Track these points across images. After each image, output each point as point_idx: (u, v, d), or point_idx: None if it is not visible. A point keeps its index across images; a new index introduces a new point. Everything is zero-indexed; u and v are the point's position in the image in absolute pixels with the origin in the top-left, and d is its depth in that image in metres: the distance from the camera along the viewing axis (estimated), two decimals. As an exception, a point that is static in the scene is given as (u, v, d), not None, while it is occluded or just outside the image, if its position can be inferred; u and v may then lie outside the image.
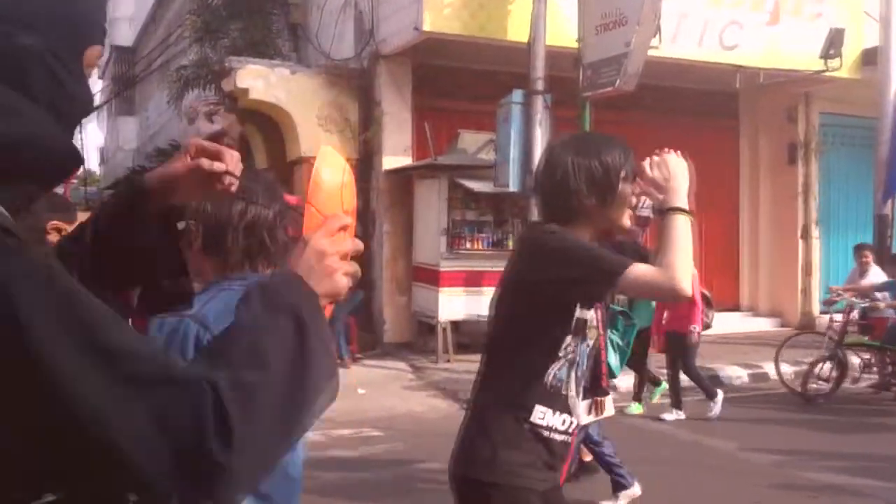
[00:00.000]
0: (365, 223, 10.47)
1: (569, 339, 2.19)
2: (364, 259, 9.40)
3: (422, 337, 10.61)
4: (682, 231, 2.10)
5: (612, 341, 3.35)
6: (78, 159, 1.04)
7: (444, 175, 9.81)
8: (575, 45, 8.99)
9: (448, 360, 9.80)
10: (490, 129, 9.68)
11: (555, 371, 2.19)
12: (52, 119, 1.01)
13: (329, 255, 1.09)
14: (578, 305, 2.19)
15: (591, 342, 2.26)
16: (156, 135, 21.45)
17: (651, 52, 8.66)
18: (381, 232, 10.66)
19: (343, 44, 11.30)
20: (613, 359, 3.34)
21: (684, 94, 11.81)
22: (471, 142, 10.18)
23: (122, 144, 26.47)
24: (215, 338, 1.05)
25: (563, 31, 9.33)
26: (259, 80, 10.35)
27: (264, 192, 1.86)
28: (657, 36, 8.86)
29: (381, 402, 7.97)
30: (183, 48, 14.89)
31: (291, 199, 2.18)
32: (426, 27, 9.37)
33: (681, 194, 2.15)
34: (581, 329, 2.21)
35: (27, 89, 0.99)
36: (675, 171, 2.17)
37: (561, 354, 2.18)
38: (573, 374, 2.22)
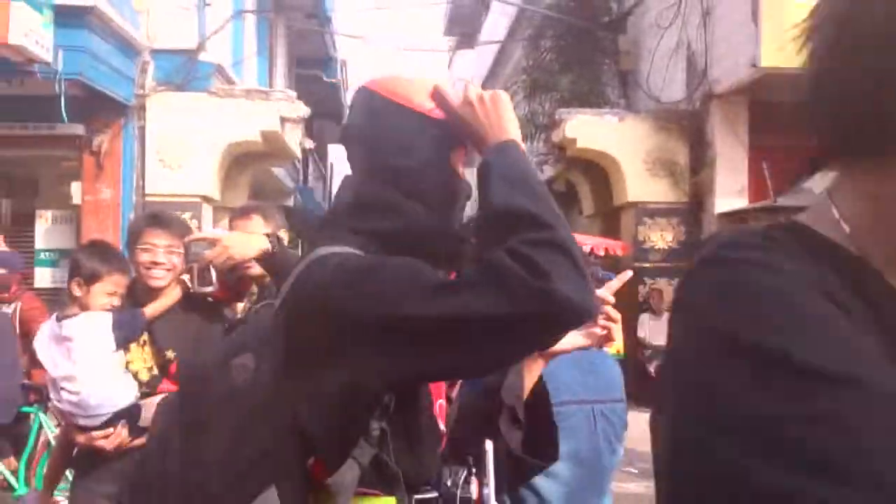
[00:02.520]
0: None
1: None
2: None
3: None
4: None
5: None
6: (450, 238, 1.40)
7: (785, 217, 9.14)
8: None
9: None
10: (837, 167, 8.85)
11: None
12: (425, 211, 1.38)
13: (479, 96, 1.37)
14: None
15: None
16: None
17: None
18: (713, 278, 10.22)
19: (673, 86, 11.16)
20: None
21: None
22: (816, 181, 9.39)
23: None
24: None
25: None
26: (587, 128, 10.56)
27: None
28: None
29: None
30: (517, 102, 15.73)
31: None
32: (764, 63, 8.92)
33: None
34: None
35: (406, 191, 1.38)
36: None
37: None
38: None
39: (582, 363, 1.91)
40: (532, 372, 1.65)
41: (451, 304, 1.15)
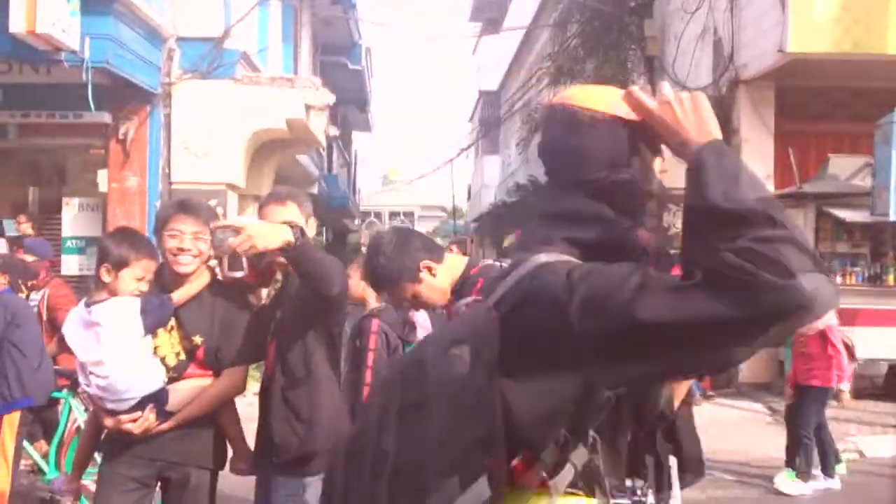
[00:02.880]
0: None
1: None
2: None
3: (782, 378, 9.84)
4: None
5: None
6: (633, 248, 1.47)
7: (811, 204, 9.08)
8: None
9: (813, 406, 8.98)
10: (865, 153, 8.77)
11: None
12: (623, 217, 1.49)
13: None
14: None
15: None
16: (516, 171, 22.71)
17: None
18: (739, 265, 10.13)
19: (700, 72, 11.05)
20: None
21: None
22: (842, 167, 9.30)
23: (486, 181, 28.43)
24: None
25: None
26: (613, 114, 10.48)
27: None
28: None
29: (732, 444, 7.54)
30: (541, 89, 15.63)
31: None
32: (791, 48, 8.80)
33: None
34: None
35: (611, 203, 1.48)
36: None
37: None
38: None
39: None
40: (681, 386, 1.69)
41: (691, 307, 1.18)
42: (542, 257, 1.40)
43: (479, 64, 30.15)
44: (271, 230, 2.66)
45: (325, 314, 2.97)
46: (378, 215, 49.91)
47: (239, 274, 2.89)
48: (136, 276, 2.97)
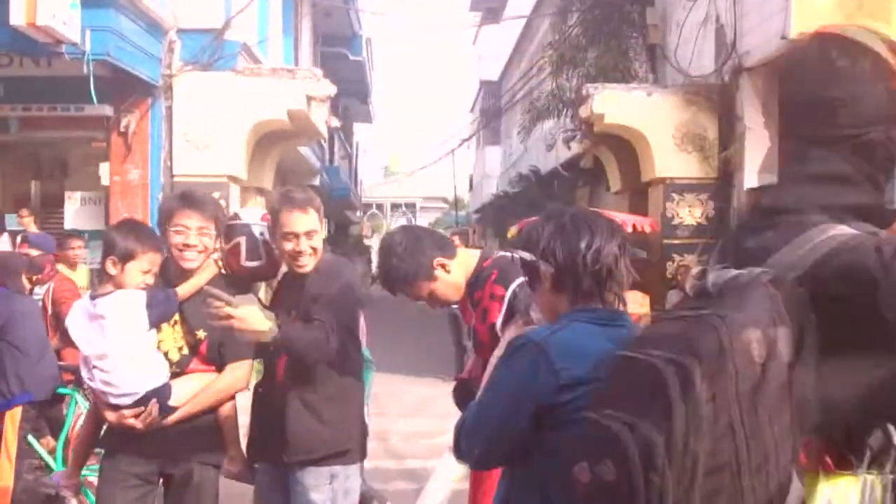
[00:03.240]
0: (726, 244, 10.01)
1: None
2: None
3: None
4: None
5: None
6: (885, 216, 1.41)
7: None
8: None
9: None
10: (871, 141, 8.70)
11: None
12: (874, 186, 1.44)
13: None
14: None
15: None
16: (518, 161, 22.64)
17: None
18: (743, 254, 10.09)
19: (702, 60, 10.98)
20: None
21: None
22: (846, 155, 9.26)
23: (488, 172, 28.38)
24: None
25: (963, 23, 8.12)
26: (615, 103, 10.44)
27: (606, 227, 1.93)
28: None
29: None
30: (543, 78, 15.57)
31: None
32: (794, 35, 8.73)
33: None
34: None
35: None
36: None
37: None
38: None
39: (617, 339, 1.87)
40: None
41: None
42: (837, 231, 1.36)
43: (479, 54, 30.05)
44: (257, 321, 2.72)
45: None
46: (380, 207, 49.87)
47: (256, 263, 2.91)
48: (142, 269, 2.95)
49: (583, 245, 1.89)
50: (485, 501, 2.74)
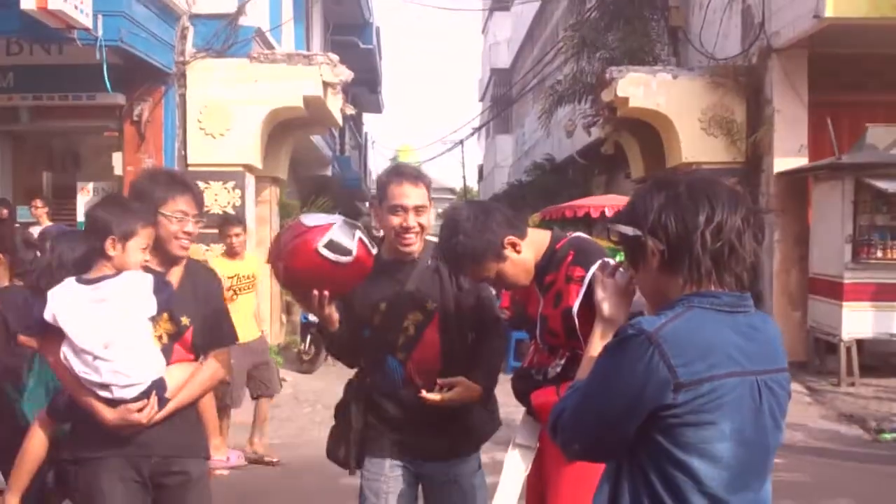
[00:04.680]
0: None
1: None
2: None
3: (818, 356, 9.60)
4: None
5: None
6: None
7: (850, 175, 8.77)
8: None
9: (852, 384, 8.75)
10: (902, 122, 8.48)
11: None
12: None
13: None
14: None
15: None
16: (531, 150, 22.38)
17: None
18: (772, 241, 9.84)
19: (728, 42, 10.71)
20: None
21: None
22: (881, 137, 8.98)
23: (499, 161, 28.11)
24: None
25: None
26: (640, 87, 10.17)
27: (728, 197, 1.67)
28: None
29: (778, 426, 7.31)
30: (558, 65, 15.29)
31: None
32: (828, 13, 8.45)
33: None
34: None
35: None
36: None
37: None
38: None
39: (742, 328, 1.65)
40: None
41: None
42: None
43: (489, 43, 29.75)
44: (469, 394, 2.90)
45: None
46: (387, 198, 49.60)
47: (344, 259, 2.61)
48: (142, 247, 2.74)
49: (701, 219, 1.62)
50: (566, 488, 2.50)
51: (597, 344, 1.87)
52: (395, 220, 2.80)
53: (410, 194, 2.81)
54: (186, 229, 2.82)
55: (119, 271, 2.71)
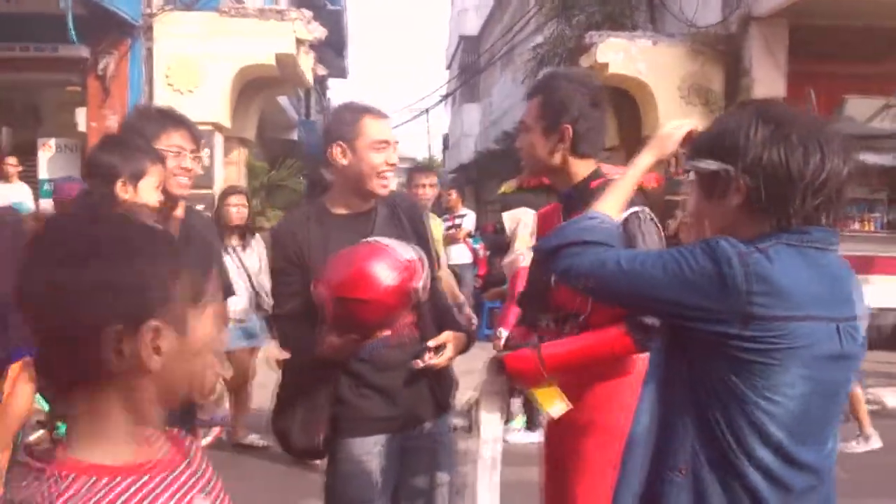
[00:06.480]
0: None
1: None
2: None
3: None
4: None
5: None
6: None
7: (829, 146, 8.77)
8: None
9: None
10: (885, 93, 8.45)
11: None
12: None
13: None
14: None
15: None
16: (499, 120, 22.16)
17: None
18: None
19: (707, 10, 10.60)
20: None
21: None
22: (860, 108, 8.97)
23: (465, 131, 27.81)
24: None
25: None
26: (620, 53, 10.04)
27: (839, 145, 1.53)
28: None
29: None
30: (528, 34, 15.07)
31: None
32: (812, -19, 8.40)
33: None
34: None
35: None
36: None
37: None
38: None
39: (823, 271, 1.53)
40: None
41: None
42: None
43: (457, 9, 29.34)
44: None
45: None
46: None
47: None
48: (154, 185, 2.51)
49: (811, 165, 1.48)
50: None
51: (639, 163, 1.96)
52: (379, 157, 2.54)
53: (389, 128, 2.64)
54: (184, 165, 2.60)
55: None
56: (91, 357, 0.96)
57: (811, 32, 9.67)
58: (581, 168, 2.42)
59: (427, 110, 24.93)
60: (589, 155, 2.42)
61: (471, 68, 25.11)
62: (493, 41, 22.64)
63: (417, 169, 6.16)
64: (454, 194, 9.90)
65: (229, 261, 5.47)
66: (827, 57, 9.86)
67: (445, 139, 35.02)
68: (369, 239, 2.39)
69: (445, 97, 23.22)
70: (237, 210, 5.56)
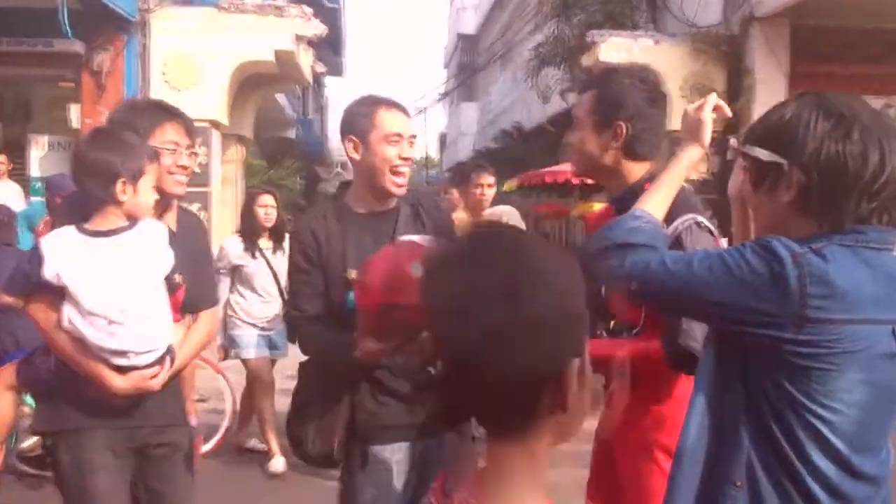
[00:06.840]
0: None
1: None
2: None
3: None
4: None
5: None
6: None
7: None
8: None
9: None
10: (887, 93, 8.39)
11: None
12: None
13: None
14: None
15: None
16: (497, 118, 22.07)
17: None
18: (750, 211, 9.77)
19: (709, 10, 10.51)
20: None
21: None
22: (863, 109, 8.92)
23: (463, 129, 27.74)
24: None
25: None
26: (621, 52, 9.95)
27: None
28: None
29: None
30: (529, 31, 14.97)
31: None
32: (814, -19, 8.32)
33: None
34: None
35: None
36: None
37: None
38: None
39: (879, 272, 1.45)
40: None
41: None
42: None
43: (456, 7, 29.24)
44: None
45: None
46: (344, 165, 49.07)
47: None
48: (151, 185, 2.40)
49: (871, 164, 1.41)
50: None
51: (683, 157, 1.87)
52: (392, 151, 2.42)
53: (405, 121, 2.49)
54: (181, 162, 2.48)
55: (132, 219, 2.37)
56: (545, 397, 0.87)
57: (813, 33, 9.60)
58: (635, 170, 2.26)
59: (425, 109, 24.86)
60: (644, 157, 2.25)
61: (469, 67, 25.02)
62: (491, 40, 22.57)
63: (479, 166, 5.73)
64: (455, 193, 9.79)
65: (258, 264, 5.34)
66: (829, 58, 9.79)
67: (442, 138, 34.95)
68: (404, 238, 2.23)
69: (444, 96, 23.10)
70: (265, 211, 5.37)
